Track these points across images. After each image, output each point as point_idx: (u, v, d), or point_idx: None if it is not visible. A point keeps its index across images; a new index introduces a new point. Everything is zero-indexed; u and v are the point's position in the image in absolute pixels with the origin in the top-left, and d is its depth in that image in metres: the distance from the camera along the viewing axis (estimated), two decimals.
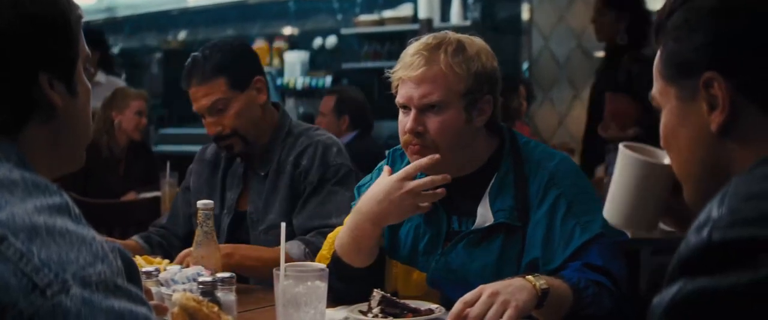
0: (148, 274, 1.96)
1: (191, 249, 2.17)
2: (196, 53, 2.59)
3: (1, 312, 0.88)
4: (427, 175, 1.98)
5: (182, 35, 8.27)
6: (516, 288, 1.73)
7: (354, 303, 1.93)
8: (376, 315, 1.86)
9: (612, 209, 1.40)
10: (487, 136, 2.08)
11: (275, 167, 2.60)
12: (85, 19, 1.20)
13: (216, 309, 1.69)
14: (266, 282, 2.04)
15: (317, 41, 7.55)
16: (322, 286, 1.74)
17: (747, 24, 1.08)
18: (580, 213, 1.96)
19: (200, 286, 1.79)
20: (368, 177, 2.24)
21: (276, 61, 7.62)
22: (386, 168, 2.06)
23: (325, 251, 2.13)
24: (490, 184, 2.04)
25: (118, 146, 4.90)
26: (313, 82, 7.32)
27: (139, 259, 2.27)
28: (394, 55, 2.16)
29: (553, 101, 6.70)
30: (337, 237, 2.08)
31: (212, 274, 1.91)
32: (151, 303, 1.24)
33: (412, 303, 1.91)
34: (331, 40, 7.44)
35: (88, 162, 1.28)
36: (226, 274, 1.85)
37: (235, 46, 2.66)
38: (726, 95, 1.08)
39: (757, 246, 0.90)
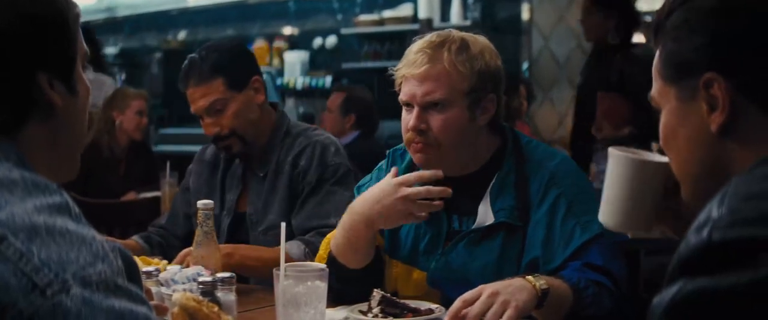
0: (148, 274, 1.96)
1: (191, 248, 2.17)
2: (192, 55, 2.59)
3: (1, 312, 0.88)
4: (428, 175, 1.98)
5: (182, 35, 8.27)
6: (516, 288, 1.73)
7: (354, 303, 1.93)
8: (376, 315, 1.86)
9: (607, 212, 1.39)
10: (489, 135, 2.08)
11: (274, 167, 2.60)
12: (85, 19, 1.20)
13: (216, 309, 1.69)
14: (266, 282, 2.04)
15: (317, 41, 7.55)
16: (322, 286, 1.74)
17: (747, 24, 1.08)
18: (580, 212, 1.96)
19: (200, 286, 1.79)
20: (368, 176, 2.24)
21: (276, 61, 7.62)
22: (393, 169, 2.03)
23: (323, 251, 2.13)
24: (492, 184, 2.03)
25: (119, 146, 4.90)
26: (313, 82, 7.32)
27: (136, 260, 2.27)
28: (394, 55, 2.16)
29: (553, 101, 6.70)
30: (332, 238, 2.07)
31: (212, 274, 1.91)
32: (152, 303, 1.24)
33: (412, 303, 1.91)
34: (331, 40, 7.44)
35: (89, 162, 1.29)
36: (226, 274, 1.85)
37: (231, 47, 2.66)
38: (726, 95, 1.08)
39: (757, 246, 0.90)
